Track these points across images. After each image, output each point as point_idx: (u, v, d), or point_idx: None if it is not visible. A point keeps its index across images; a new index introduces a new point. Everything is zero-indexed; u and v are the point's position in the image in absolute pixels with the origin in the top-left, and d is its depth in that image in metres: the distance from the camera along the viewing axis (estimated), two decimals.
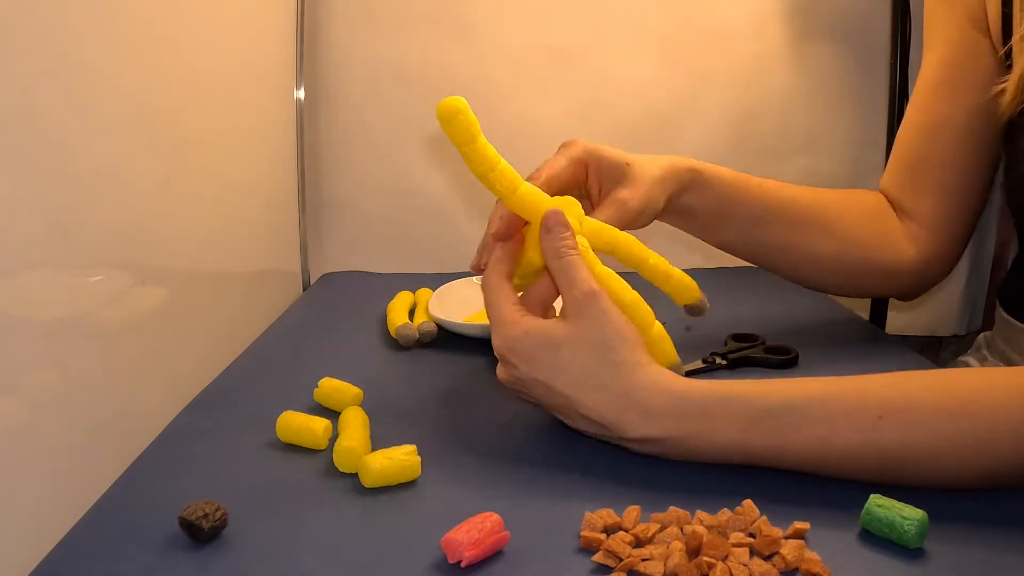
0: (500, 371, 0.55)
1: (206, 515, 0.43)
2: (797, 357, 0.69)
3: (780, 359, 0.68)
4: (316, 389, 0.61)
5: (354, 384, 0.61)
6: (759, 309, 0.83)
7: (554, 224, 0.53)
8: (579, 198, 0.60)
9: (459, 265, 1.03)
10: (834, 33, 1.07)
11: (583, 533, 0.43)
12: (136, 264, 0.60)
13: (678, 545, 0.41)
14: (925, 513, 0.43)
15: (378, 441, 0.54)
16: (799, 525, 0.43)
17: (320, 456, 0.53)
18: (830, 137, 1.10)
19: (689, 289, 0.61)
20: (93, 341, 0.54)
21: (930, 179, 0.72)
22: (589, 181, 0.64)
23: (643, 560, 0.41)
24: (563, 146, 0.63)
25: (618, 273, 0.55)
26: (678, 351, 0.57)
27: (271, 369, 0.70)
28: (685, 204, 0.67)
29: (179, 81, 0.68)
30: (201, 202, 0.73)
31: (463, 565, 0.41)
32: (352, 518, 0.46)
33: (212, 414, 0.60)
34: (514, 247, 0.56)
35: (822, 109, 1.09)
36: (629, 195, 0.62)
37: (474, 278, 0.92)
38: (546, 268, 0.54)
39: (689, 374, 0.61)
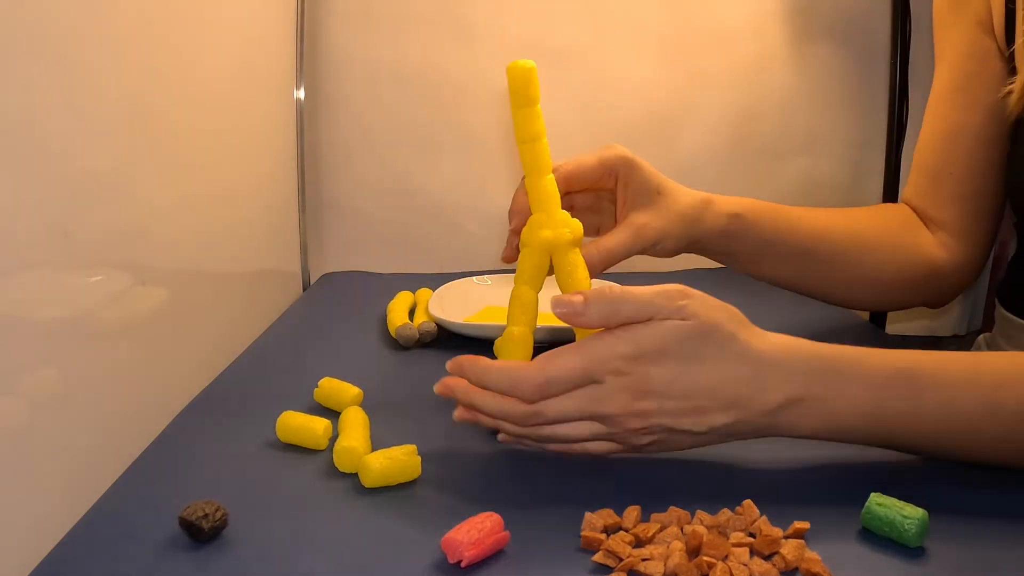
0: (623, 401, 0.47)
1: (206, 515, 0.43)
2: None
3: None
4: (316, 389, 0.61)
5: (354, 384, 0.61)
6: (759, 310, 0.83)
7: (571, 309, 0.48)
8: (601, 203, 0.63)
9: (459, 265, 1.03)
10: (834, 33, 1.07)
11: (583, 533, 0.43)
12: (136, 264, 0.60)
13: (678, 545, 0.41)
14: (925, 512, 0.43)
15: (378, 441, 0.54)
16: (799, 525, 0.43)
17: (320, 456, 0.53)
18: (830, 137, 1.10)
19: None
20: (93, 341, 0.54)
21: (953, 186, 0.73)
22: (617, 190, 0.62)
23: (643, 560, 0.41)
24: (603, 148, 0.63)
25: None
26: None
27: (271, 369, 0.70)
28: (722, 248, 0.67)
29: (179, 81, 0.68)
30: (201, 202, 0.73)
31: (463, 565, 0.41)
32: (352, 518, 0.46)
33: (212, 414, 0.60)
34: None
35: (822, 109, 1.09)
36: (648, 221, 0.61)
37: (474, 278, 0.92)
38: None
39: None
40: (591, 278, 0.56)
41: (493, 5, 1.05)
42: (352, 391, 0.60)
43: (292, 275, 1.04)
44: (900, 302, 0.80)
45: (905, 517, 0.42)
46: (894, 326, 1.13)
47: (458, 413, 0.51)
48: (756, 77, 1.08)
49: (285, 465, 0.52)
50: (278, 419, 0.55)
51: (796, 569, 0.41)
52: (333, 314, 0.89)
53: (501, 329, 0.73)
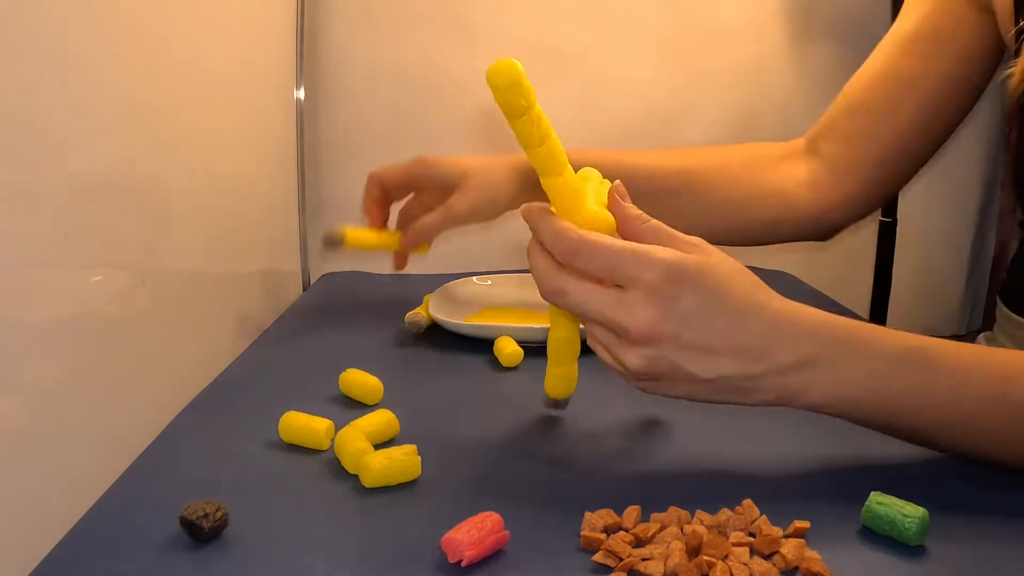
0: (646, 317, 0.45)
1: (206, 515, 0.43)
2: None
3: None
4: (341, 378, 0.63)
5: None
6: None
7: (624, 193, 0.50)
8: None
9: (459, 265, 1.03)
10: (834, 33, 1.08)
11: (583, 533, 0.43)
12: (136, 264, 0.60)
13: (678, 545, 0.41)
14: (926, 511, 0.43)
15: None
16: (799, 524, 0.43)
17: (321, 456, 0.53)
18: None
19: (570, 386, 0.60)
20: (93, 341, 0.54)
21: (862, 124, 0.73)
22: (421, 187, 0.78)
23: (643, 560, 0.41)
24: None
25: None
26: None
27: (271, 369, 0.70)
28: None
29: (179, 81, 0.68)
30: (201, 202, 0.73)
31: (463, 565, 0.41)
32: (352, 518, 0.46)
33: (212, 414, 0.60)
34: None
35: (822, 109, 1.09)
36: (455, 201, 0.75)
37: (474, 278, 0.92)
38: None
39: None
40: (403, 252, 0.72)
41: (493, 5, 1.05)
42: (371, 381, 0.62)
43: (292, 275, 1.04)
44: (747, 241, 0.81)
45: (905, 516, 0.42)
46: (894, 325, 1.13)
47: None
48: (756, 77, 1.08)
49: (285, 465, 0.52)
50: (280, 419, 0.55)
51: (796, 569, 0.41)
52: (333, 314, 0.89)
53: (501, 329, 0.74)
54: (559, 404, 0.59)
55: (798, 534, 0.43)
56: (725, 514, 0.44)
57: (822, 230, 0.79)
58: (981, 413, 0.47)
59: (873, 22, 1.07)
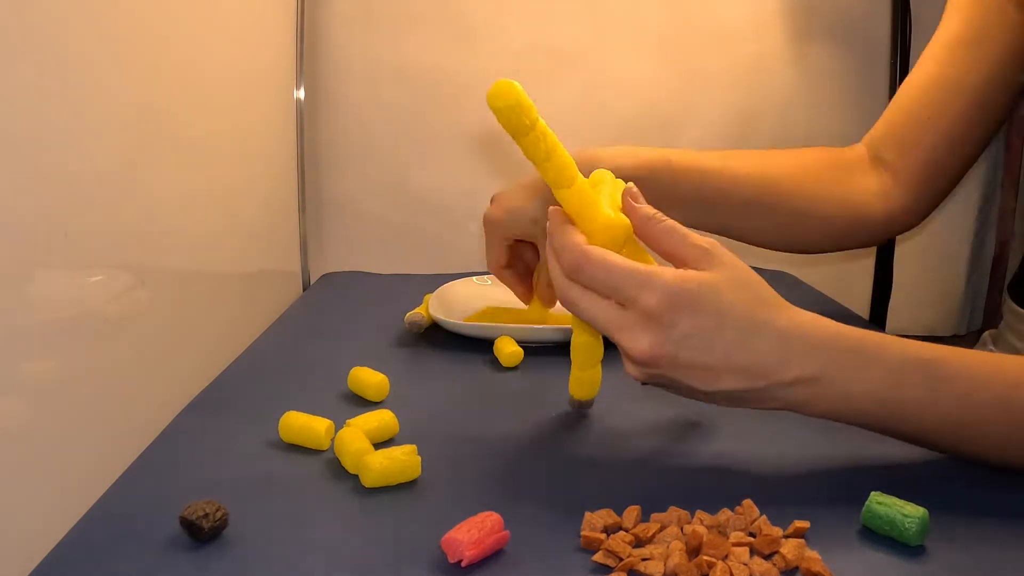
0: (644, 343, 0.46)
1: (206, 515, 0.43)
2: None
3: None
4: (350, 375, 0.64)
5: None
6: None
7: (637, 194, 0.50)
8: None
9: (459, 265, 1.03)
10: (834, 33, 1.07)
11: (583, 533, 0.43)
12: (136, 264, 0.60)
13: (678, 545, 0.41)
14: (926, 511, 0.43)
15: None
16: (799, 524, 0.43)
17: (321, 456, 0.53)
18: (830, 137, 1.10)
19: (596, 388, 0.60)
20: (93, 341, 0.54)
21: (921, 134, 0.73)
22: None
23: (643, 560, 0.41)
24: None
25: None
26: None
27: (271, 369, 0.70)
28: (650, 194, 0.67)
29: (179, 81, 0.68)
30: (201, 202, 0.73)
31: (463, 565, 0.41)
32: (352, 518, 0.46)
33: (212, 414, 0.60)
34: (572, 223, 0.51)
35: (822, 109, 1.09)
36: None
37: (474, 278, 0.92)
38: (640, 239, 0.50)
39: None
40: None
41: (493, 5, 1.05)
42: (377, 378, 0.62)
43: (292, 275, 1.04)
44: (821, 248, 0.79)
45: (906, 516, 0.42)
46: (894, 325, 1.13)
47: None
48: (756, 77, 1.08)
49: (285, 465, 0.52)
50: (280, 419, 0.55)
51: (796, 569, 0.41)
52: (333, 314, 0.89)
53: (501, 329, 0.74)
54: (584, 405, 0.60)
55: (798, 534, 0.43)
56: (725, 514, 0.44)
57: (888, 236, 0.79)
58: (987, 420, 0.47)
59: (873, 22, 1.07)
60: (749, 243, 0.76)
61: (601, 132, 1.07)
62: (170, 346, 0.66)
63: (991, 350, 0.81)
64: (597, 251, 0.47)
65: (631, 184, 0.51)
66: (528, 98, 0.46)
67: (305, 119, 1.04)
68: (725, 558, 0.41)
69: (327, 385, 0.65)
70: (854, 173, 0.75)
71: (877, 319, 1.10)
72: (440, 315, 0.76)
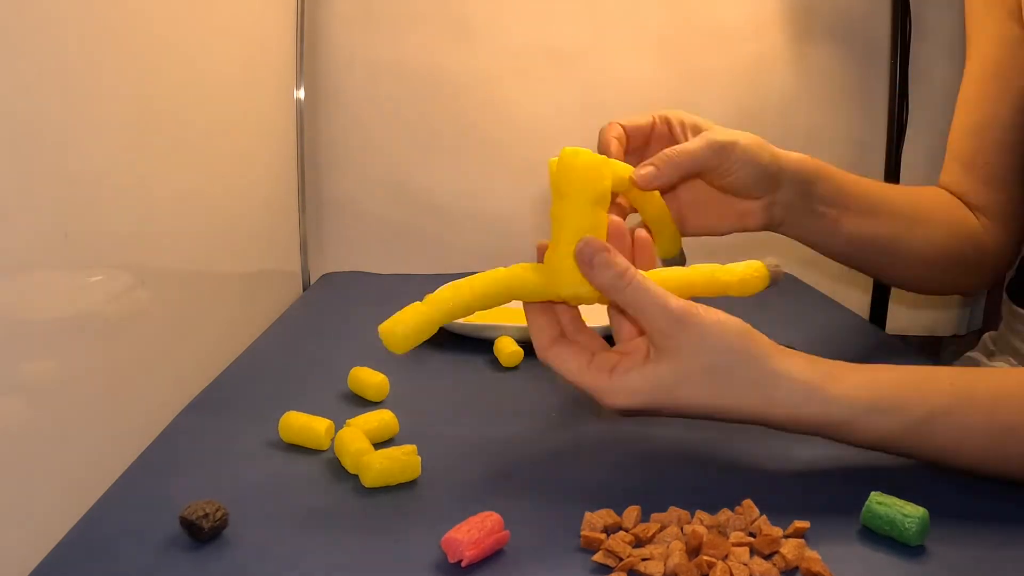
0: (613, 413, 0.49)
1: (206, 515, 0.43)
2: None
3: None
4: (349, 376, 0.64)
5: None
6: (758, 308, 0.83)
7: (592, 256, 0.46)
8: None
9: (459, 265, 1.03)
10: (834, 33, 1.07)
11: (583, 533, 0.43)
12: (136, 264, 0.60)
13: (678, 545, 0.41)
14: (926, 511, 0.43)
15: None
16: (799, 524, 0.43)
17: (320, 456, 0.53)
18: (830, 137, 1.10)
19: (675, 245, 0.63)
20: (93, 341, 0.54)
21: (987, 174, 0.73)
22: (675, 134, 0.62)
23: (643, 560, 0.41)
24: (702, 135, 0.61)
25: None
26: None
27: (271, 369, 0.70)
28: (809, 195, 0.64)
29: (179, 81, 0.68)
30: (201, 202, 0.73)
31: (463, 565, 0.41)
32: (352, 518, 0.46)
33: (212, 414, 0.60)
34: (542, 308, 0.51)
35: (822, 109, 1.10)
36: (720, 135, 0.60)
37: None
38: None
39: None
40: (656, 175, 0.57)
41: (493, 5, 1.05)
42: (377, 378, 0.62)
43: (292, 275, 1.04)
44: (955, 284, 0.78)
45: (906, 516, 0.42)
46: (894, 325, 1.13)
47: None
48: (756, 77, 1.08)
49: (285, 465, 0.52)
50: (280, 419, 0.55)
51: (796, 569, 0.41)
52: (333, 314, 0.89)
53: (501, 329, 0.74)
54: (675, 262, 0.62)
55: (798, 534, 0.43)
56: (725, 514, 0.44)
57: (987, 282, 0.78)
58: (978, 461, 0.47)
59: (873, 22, 1.07)
60: (890, 273, 0.74)
61: None
62: (170, 346, 0.66)
63: (992, 351, 0.81)
64: (553, 357, 0.49)
65: (581, 243, 0.47)
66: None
67: (305, 119, 1.04)
68: (725, 558, 0.41)
69: (327, 385, 0.65)
70: (966, 210, 0.74)
71: (877, 319, 1.10)
72: None
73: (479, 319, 0.81)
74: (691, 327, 0.46)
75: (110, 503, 0.48)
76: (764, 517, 0.44)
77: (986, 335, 0.84)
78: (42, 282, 0.49)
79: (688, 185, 0.64)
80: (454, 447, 0.55)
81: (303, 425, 0.54)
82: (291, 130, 1.02)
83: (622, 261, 0.47)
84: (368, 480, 0.49)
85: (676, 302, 0.46)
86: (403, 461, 0.49)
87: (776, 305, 0.81)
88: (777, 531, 0.43)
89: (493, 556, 0.42)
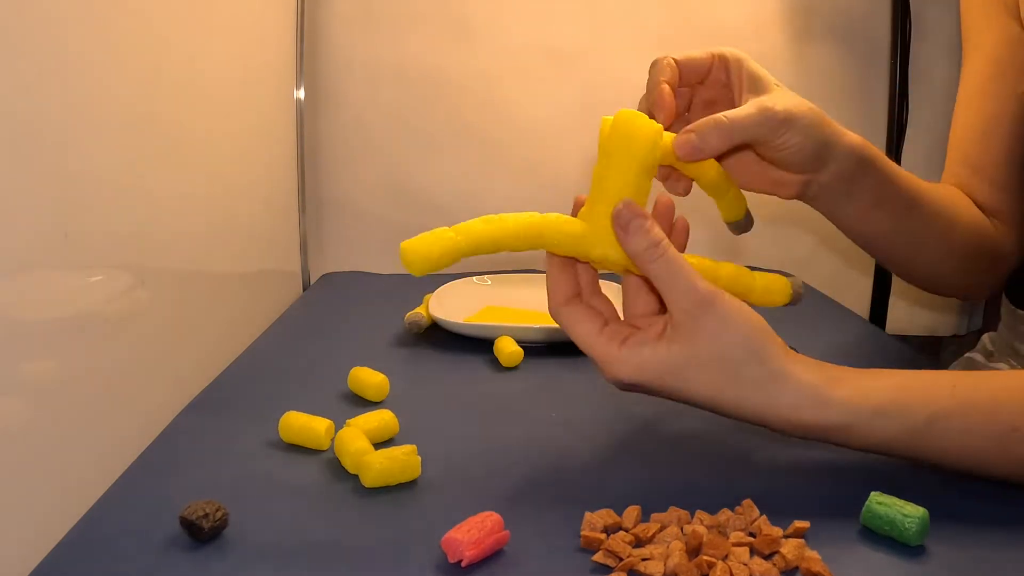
0: (620, 387, 0.49)
1: (206, 515, 0.43)
2: None
3: None
4: (349, 375, 0.64)
5: None
6: (758, 309, 0.83)
7: (629, 219, 0.46)
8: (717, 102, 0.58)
9: (459, 265, 1.03)
10: (834, 33, 1.07)
11: (583, 533, 0.43)
12: (136, 264, 0.60)
13: (678, 545, 0.41)
14: (926, 511, 0.43)
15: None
16: (799, 524, 0.43)
17: (320, 456, 0.53)
18: None
19: (739, 206, 0.60)
20: (93, 341, 0.54)
21: (995, 176, 0.73)
22: (731, 81, 0.57)
23: (643, 560, 0.41)
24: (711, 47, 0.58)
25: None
26: None
27: (271, 369, 0.70)
28: (843, 187, 0.60)
29: (179, 82, 0.68)
30: (201, 202, 0.73)
31: (463, 565, 0.41)
32: (352, 518, 0.46)
33: (212, 414, 0.60)
34: (564, 264, 0.50)
35: (822, 109, 1.09)
36: (772, 103, 0.54)
37: (474, 278, 0.92)
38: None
39: None
40: (699, 143, 0.51)
41: (493, 5, 1.05)
42: (377, 378, 0.62)
43: (292, 275, 1.04)
44: (966, 285, 0.76)
45: (906, 516, 0.42)
46: (894, 325, 1.13)
47: None
48: None
49: (285, 465, 0.52)
50: (280, 419, 0.55)
51: (796, 568, 0.41)
52: (333, 314, 0.89)
53: (501, 329, 0.74)
54: (741, 225, 0.60)
55: (798, 534, 0.43)
56: (725, 514, 0.44)
57: (998, 284, 0.77)
58: (985, 464, 0.47)
59: (873, 22, 1.07)
60: (914, 271, 0.73)
61: None
62: (170, 346, 0.66)
63: (991, 352, 0.81)
64: (567, 316, 0.49)
65: (619, 207, 0.46)
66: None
67: (305, 119, 1.04)
68: (725, 558, 0.41)
69: (327, 385, 0.65)
70: (980, 213, 0.73)
71: (877, 319, 1.10)
72: (440, 315, 0.77)
73: (479, 319, 0.81)
74: (715, 312, 0.45)
75: (110, 503, 0.48)
76: (764, 517, 0.44)
77: (985, 336, 0.84)
78: (42, 282, 0.49)
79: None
80: (454, 447, 0.55)
81: (303, 425, 0.54)
82: (291, 130, 1.02)
83: (659, 232, 0.46)
84: (368, 480, 0.49)
85: (704, 284, 0.46)
86: (403, 461, 0.49)
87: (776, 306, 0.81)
88: (777, 531, 0.43)
89: (493, 556, 0.42)
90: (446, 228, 0.45)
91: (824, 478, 0.50)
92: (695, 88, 0.60)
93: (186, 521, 0.43)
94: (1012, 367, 0.77)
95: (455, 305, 0.82)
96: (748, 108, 0.53)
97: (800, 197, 0.61)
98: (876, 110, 1.08)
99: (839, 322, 0.85)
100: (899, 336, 1.14)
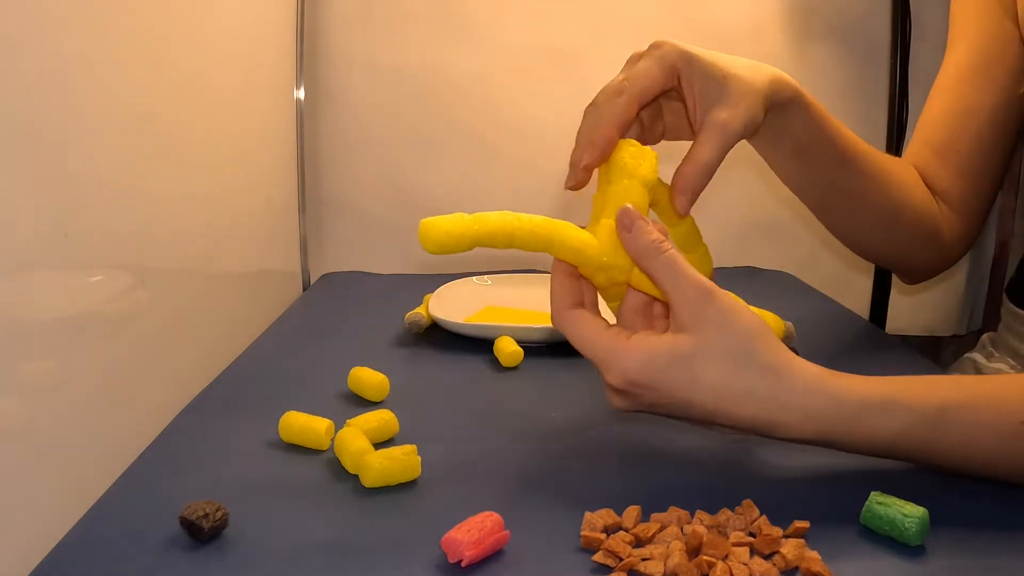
0: (619, 402, 0.48)
1: (206, 515, 0.43)
2: None
3: None
4: (349, 376, 0.64)
5: None
6: (766, 306, 0.83)
7: (632, 221, 0.47)
8: (668, 105, 0.58)
9: (459, 265, 1.03)
10: (834, 33, 1.07)
11: (583, 533, 0.43)
12: (136, 264, 0.60)
13: (678, 545, 0.41)
14: (926, 510, 0.43)
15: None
16: (799, 524, 0.43)
17: (320, 456, 0.53)
18: None
19: (707, 266, 0.60)
20: (93, 341, 0.54)
21: (959, 163, 0.73)
22: (683, 92, 0.56)
23: (643, 560, 0.41)
24: (653, 47, 0.57)
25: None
26: None
27: (271, 369, 0.70)
28: (779, 125, 0.60)
29: (179, 82, 0.68)
30: (201, 202, 0.73)
31: (463, 565, 0.41)
32: (352, 518, 0.46)
33: (212, 414, 0.60)
34: (569, 272, 0.50)
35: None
36: (729, 116, 0.54)
37: (474, 278, 0.92)
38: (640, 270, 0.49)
39: None
40: (692, 197, 0.53)
41: (493, 5, 1.05)
42: (377, 378, 0.62)
43: (292, 275, 1.04)
44: (899, 258, 0.77)
45: (906, 516, 0.42)
46: (894, 325, 1.13)
47: None
48: None
49: (285, 465, 0.52)
50: (280, 419, 0.55)
51: (796, 568, 0.41)
52: (333, 314, 0.89)
53: (501, 329, 0.74)
54: None
55: (798, 534, 0.43)
56: (725, 514, 0.44)
57: (944, 264, 0.77)
58: (991, 463, 0.47)
59: (873, 22, 1.07)
60: (847, 233, 0.73)
61: None
62: (170, 346, 0.66)
63: (990, 351, 0.81)
64: (571, 319, 0.48)
65: (623, 209, 0.48)
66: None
67: (305, 119, 1.04)
68: (725, 558, 0.41)
69: (327, 385, 0.65)
70: (928, 193, 0.74)
71: (877, 319, 1.10)
72: (440, 315, 0.77)
73: (479, 319, 0.81)
74: (717, 303, 0.46)
75: (110, 503, 0.48)
76: (764, 517, 0.44)
77: (984, 336, 0.84)
78: (42, 282, 0.49)
79: (669, 97, 0.60)
80: (454, 447, 0.55)
81: (303, 425, 0.54)
82: (291, 130, 1.02)
83: (659, 234, 0.47)
84: (368, 480, 0.49)
85: (704, 279, 0.46)
86: (403, 461, 0.49)
87: (776, 305, 0.81)
88: (777, 531, 0.43)
89: (493, 556, 0.42)
90: (465, 214, 0.46)
91: (824, 478, 0.50)
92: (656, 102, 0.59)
93: (186, 521, 0.43)
94: (1012, 367, 0.77)
95: (455, 305, 0.82)
96: (710, 140, 0.53)
97: (742, 135, 0.59)
98: (876, 110, 1.08)
99: (839, 322, 0.85)
100: (899, 336, 1.14)
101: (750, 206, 1.10)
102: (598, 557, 0.41)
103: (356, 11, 1.05)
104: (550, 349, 0.75)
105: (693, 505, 0.45)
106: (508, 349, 0.71)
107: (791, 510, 0.45)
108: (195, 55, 0.72)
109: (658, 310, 0.51)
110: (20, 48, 0.46)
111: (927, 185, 0.74)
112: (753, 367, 0.45)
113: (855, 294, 1.12)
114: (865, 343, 0.79)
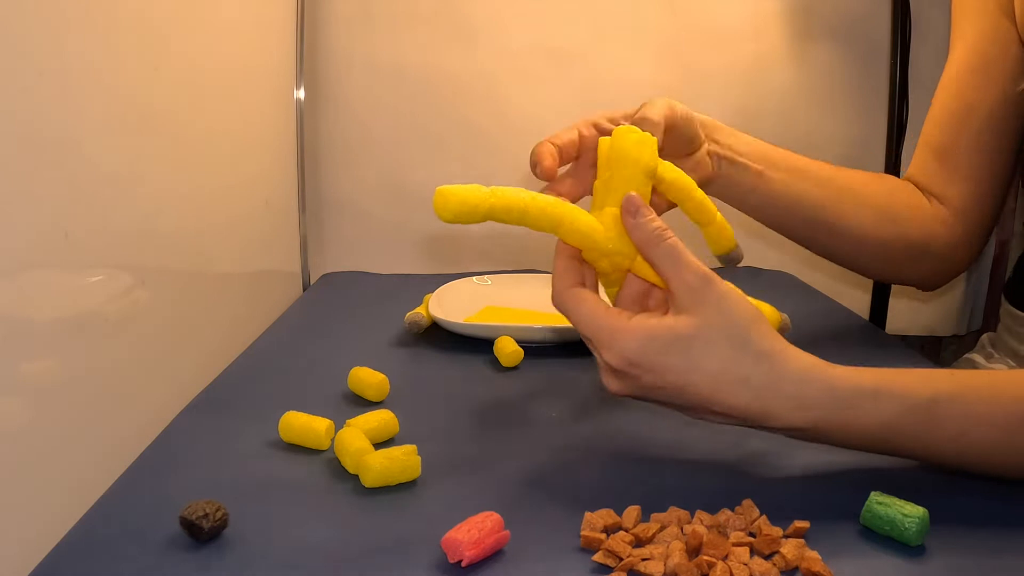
0: (614, 384, 0.48)
1: (206, 515, 0.43)
2: None
3: None
4: (349, 375, 0.64)
5: None
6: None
7: (637, 208, 0.48)
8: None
9: (459, 265, 1.03)
10: (834, 33, 1.07)
11: (583, 533, 0.43)
12: (136, 264, 0.60)
13: (678, 545, 0.41)
14: (926, 510, 0.43)
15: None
16: (799, 524, 0.43)
17: (320, 456, 0.53)
18: (830, 137, 1.10)
19: (726, 237, 0.60)
20: (93, 341, 0.54)
21: (960, 165, 0.73)
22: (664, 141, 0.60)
23: (643, 560, 0.41)
24: (647, 105, 0.60)
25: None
26: None
27: (271, 369, 0.70)
28: (741, 202, 0.69)
29: (179, 81, 0.68)
30: (201, 202, 0.73)
31: (463, 565, 0.41)
32: (352, 518, 0.46)
33: (212, 414, 0.60)
34: (572, 254, 0.50)
35: (822, 109, 1.09)
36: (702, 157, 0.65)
37: (474, 278, 0.92)
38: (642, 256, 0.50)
39: None
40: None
41: (493, 5, 1.05)
42: (377, 378, 0.62)
43: (292, 275, 1.04)
44: (895, 273, 0.78)
45: (905, 516, 0.42)
46: (894, 325, 1.13)
47: None
48: (756, 77, 1.08)
49: (285, 465, 0.52)
50: (280, 419, 0.55)
51: (796, 568, 0.41)
52: (333, 314, 0.89)
53: (501, 329, 0.74)
54: (730, 258, 0.61)
55: (798, 534, 0.43)
56: (725, 514, 0.44)
57: (942, 274, 0.77)
58: (986, 455, 0.47)
59: (873, 22, 1.07)
60: (836, 257, 0.75)
61: None
62: (170, 346, 0.66)
63: (990, 351, 0.81)
64: (573, 297, 0.48)
65: (628, 195, 0.49)
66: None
67: (305, 119, 1.04)
68: (725, 558, 0.41)
69: (327, 385, 0.65)
70: (918, 202, 0.74)
71: (877, 319, 1.10)
72: (440, 315, 0.77)
73: (479, 319, 0.81)
74: (717, 288, 0.46)
75: (110, 503, 0.48)
76: (764, 517, 0.44)
77: (984, 336, 0.84)
78: (42, 282, 0.49)
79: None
80: (454, 447, 0.55)
81: (303, 425, 0.54)
82: (291, 130, 1.02)
83: (662, 222, 0.48)
84: (368, 480, 0.49)
85: (704, 267, 0.47)
86: (403, 461, 0.49)
87: (776, 305, 0.81)
88: (777, 531, 0.43)
89: (493, 556, 0.42)
90: (482, 186, 0.47)
91: (824, 478, 0.50)
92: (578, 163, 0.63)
93: (186, 521, 0.43)
94: (1011, 368, 0.77)
95: (455, 305, 0.82)
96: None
97: (713, 176, 0.67)
98: (876, 110, 1.08)
99: (839, 322, 0.85)
100: (899, 336, 1.14)
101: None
102: (598, 557, 0.41)
103: (356, 11, 1.05)
104: (550, 349, 0.75)
105: (693, 505, 0.45)
106: (508, 349, 0.71)
107: (791, 510, 0.45)
108: (195, 55, 0.72)
109: (655, 298, 0.51)
110: (20, 48, 0.46)
111: (927, 189, 0.74)
112: (749, 353, 0.46)
113: (855, 294, 1.12)
114: (865, 343, 0.79)
